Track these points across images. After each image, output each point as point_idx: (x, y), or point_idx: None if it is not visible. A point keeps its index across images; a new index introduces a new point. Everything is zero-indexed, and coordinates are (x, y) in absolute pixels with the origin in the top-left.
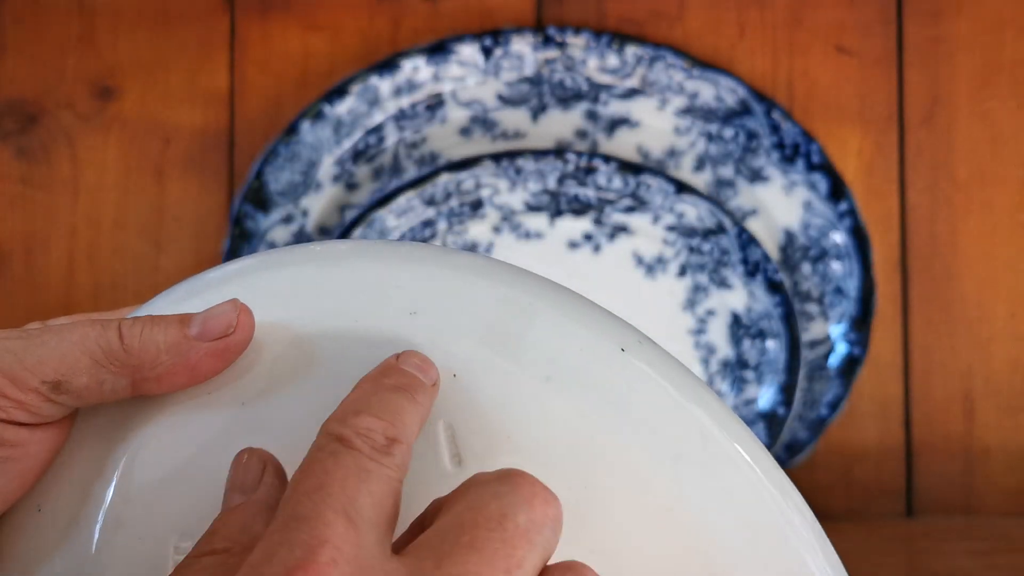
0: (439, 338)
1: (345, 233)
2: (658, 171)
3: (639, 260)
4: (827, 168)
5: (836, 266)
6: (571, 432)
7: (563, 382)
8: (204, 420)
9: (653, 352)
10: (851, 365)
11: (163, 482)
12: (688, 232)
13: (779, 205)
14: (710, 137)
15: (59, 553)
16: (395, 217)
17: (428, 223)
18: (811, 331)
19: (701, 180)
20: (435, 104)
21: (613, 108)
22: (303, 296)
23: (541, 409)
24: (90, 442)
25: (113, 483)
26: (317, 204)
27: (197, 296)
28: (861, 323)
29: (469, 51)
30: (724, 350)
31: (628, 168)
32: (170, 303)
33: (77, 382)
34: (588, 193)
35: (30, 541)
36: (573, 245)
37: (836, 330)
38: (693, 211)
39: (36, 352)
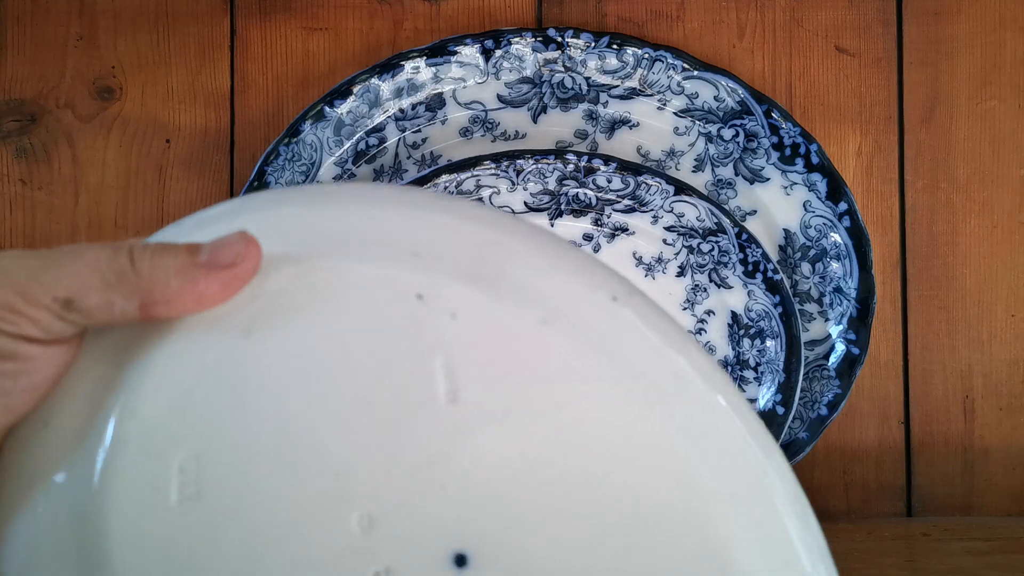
0: (440, 279)
1: None
2: (658, 171)
3: (639, 260)
4: (826, 168)
5: (835, 266)
6: (563, 374)
7: (558, 326)
8: (208, 346)
9: (642, 302)
10: (850, 365)
11: (168, 404)
12: (688, 232)
13: (778, 205)
14: (710, 137)
15: (63, 468)
16: None
17: None
18: (811, 331)
19: (701, 180)
20: (435, 105)
21: (613, 109)
22: (309, 233)
23: (536, 351)
24: (98, 363)
25: (119, 402)
26: None
27: (204, 228)
28: (860, 323)
29: (469, 52)
30: (723, 350)
31: (628, 168)
32: (178, 234)
33: (87, 301)
34: (588, 193)
35: (35, 456)
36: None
37: (835, 330)
38: (693, 211)
39: (49, 270)
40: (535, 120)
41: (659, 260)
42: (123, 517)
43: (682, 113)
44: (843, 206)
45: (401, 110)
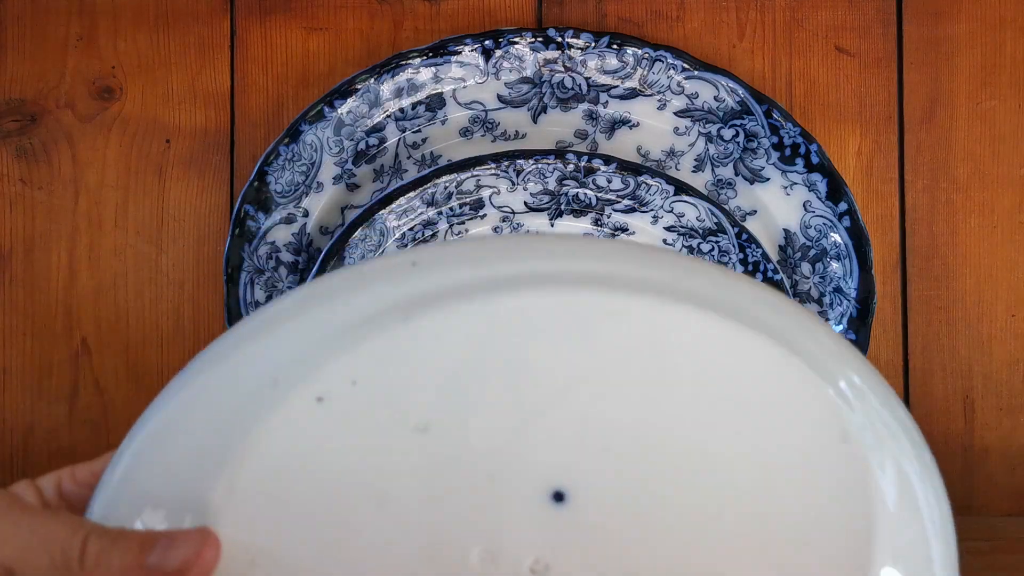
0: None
1: (346, 234)
2: (658, 171)
3: None
4: (826, 168)
5: (835, 266)
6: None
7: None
8: None
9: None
10: None
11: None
12: (688, 232)
13: (778, 205)
14: (710, 138)
15: None
16: (396, 217)
17: (429, 223)
18: None
19: (701, 180)
20: (435, 105)
21: (613, 109)
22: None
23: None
24: None
25: None
26: (318, 204)
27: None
28: (860, 323)
29: (469, 52)
30: None
31: (628, 169)
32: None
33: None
34: (588, 193)
35: None
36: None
37: (836, 330)
38: (693, 211)
39: (4, 532)
40: (535, 120)
41: None
42: None
43: (682, 113)
44: (843, 206)
45: (401, 110)
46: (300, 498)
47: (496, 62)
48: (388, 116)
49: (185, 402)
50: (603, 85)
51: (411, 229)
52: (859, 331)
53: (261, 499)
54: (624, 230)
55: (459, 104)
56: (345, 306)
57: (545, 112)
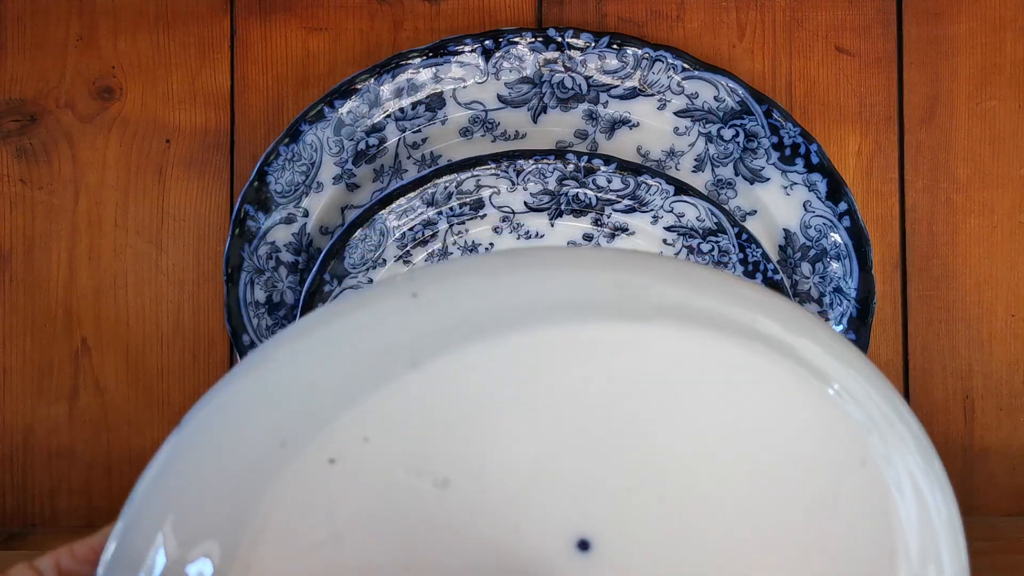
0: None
1: (346, 234)
2: (658, 171)
3: None
4: (826, 168)
5: (835, 266)
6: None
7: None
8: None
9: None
10: None
11: None
12: (688, 232)
13: (778, 205)
14: (710, 137)
15: None
16: (396, 217)
17: (429, 223)
18: None
19: (701, 180)
20: (435, 105)
21: (613, 109)
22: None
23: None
24: None
25: None
26: (318, 204)
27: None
28: (860, 323)
29: (469, 52)
30: None
31: (628, 168)
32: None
33: None
34: (588, 193)
35: None
36: (573, 246)
37: (836, 330)
38: (693, 211)
39: None
40: (535, 120)
41: None
42: None
43: (682, 113)
44: (843, 206)
45: (401, 110)
46: (320, 569)
47: (496, 62)
48: (388, 116)
49: (186, 468)
50: (603, 85)
51: (411, 229)
52: (859, 331)
53: (280, 573)
54: (624, 230)
55: (459, 104)
56: (345, 349)
57: (545, 112)
